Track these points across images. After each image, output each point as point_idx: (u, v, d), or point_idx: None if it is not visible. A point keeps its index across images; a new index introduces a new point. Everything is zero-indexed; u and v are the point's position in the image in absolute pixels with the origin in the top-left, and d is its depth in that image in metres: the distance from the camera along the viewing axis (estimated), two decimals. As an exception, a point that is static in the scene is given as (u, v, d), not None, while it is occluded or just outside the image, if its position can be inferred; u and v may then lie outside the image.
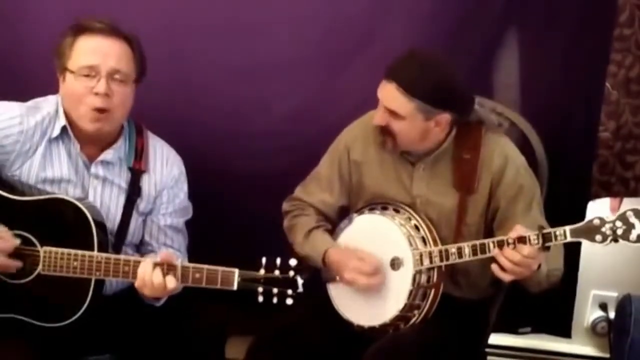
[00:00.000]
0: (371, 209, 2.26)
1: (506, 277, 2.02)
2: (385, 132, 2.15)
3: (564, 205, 2.41)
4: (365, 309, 2.20)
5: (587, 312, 2.94)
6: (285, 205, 2.40)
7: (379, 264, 2.16)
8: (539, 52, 2.53)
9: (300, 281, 1.88)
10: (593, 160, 2.56)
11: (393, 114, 2.11)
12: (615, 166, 2.57)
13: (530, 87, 2.57)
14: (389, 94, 2.09)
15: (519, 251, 1.97)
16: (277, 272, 1.88)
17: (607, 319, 2.90)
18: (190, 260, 2.06)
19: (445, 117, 2.11)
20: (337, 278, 2.18)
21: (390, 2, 2.54)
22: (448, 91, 2.09)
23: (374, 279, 2.15)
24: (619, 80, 2.49)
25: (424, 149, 2.20)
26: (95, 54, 2.02)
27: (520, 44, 2.54)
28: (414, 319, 2.16)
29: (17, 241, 1.99)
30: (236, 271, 1.91)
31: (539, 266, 2.04)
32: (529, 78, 2.57)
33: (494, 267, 2.02)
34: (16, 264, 1.99)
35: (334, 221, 2.36)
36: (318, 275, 2.21)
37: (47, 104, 2.12)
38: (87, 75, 2.01)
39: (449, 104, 2.10)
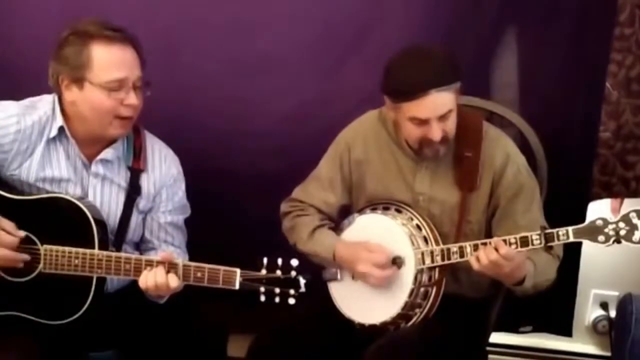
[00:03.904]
0: (373, 209, 2.27)
1: (478, 269, 2.03)
2: (442, 141, 2.10)
3: (564, 205, 2.41)
4: (366, 307, 2.20)
5: (588, 311, 2.94)
6: (284, 207, 2.39)
7: (390, 255, 2.16)
8: (539, 52, 2.52)
9: (302, 281, 1.89)
10: (593, 161, 2.56)
11: (444, 117, 2.07)
12: (616, 166, 2.57)
13: (530, 87, 2.56)
14: (436, 101, 2.03)
15: (497, 249, 1.98)
16: (278, 272, 1.89)
17: (608, 318, 2.89)
18: (189, 260, 2.06)
19: (459, 85, 2.09)
20: (339, 276, 2.18)
21: (385, 1, 2.53)
22: (456, 60, 2.08)
23: (387, 271, 2.14)
24: (619, 80, 2.49)
25: None
26: (122, 66, 2.03)
27: (520, 44, 2.53)
28: (415, 318, 2.17)
29: (22, 233, 2.00)
30: (238, 271, 1.92)
31: (524, 280, 2.06)
32: (528, 78, 2.56)
33: (471, 259, 2.03)
34: (23, 257, 2.00)
35: (335, 220, 2.36)
36: (319, 274, 2.21)
37: (44, 104, 2.12)
38: (116, 88, 2.03)
39: (461, 70, 2.09)
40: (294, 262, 1.89)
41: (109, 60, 2.02)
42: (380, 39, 2.51)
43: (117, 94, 2.03)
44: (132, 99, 2.04)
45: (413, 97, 2.03)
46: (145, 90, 2.10)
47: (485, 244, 2.05)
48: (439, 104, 2.04)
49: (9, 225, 1.99)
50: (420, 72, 2.03)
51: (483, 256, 2.00)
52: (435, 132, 2.07)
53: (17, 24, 2.55)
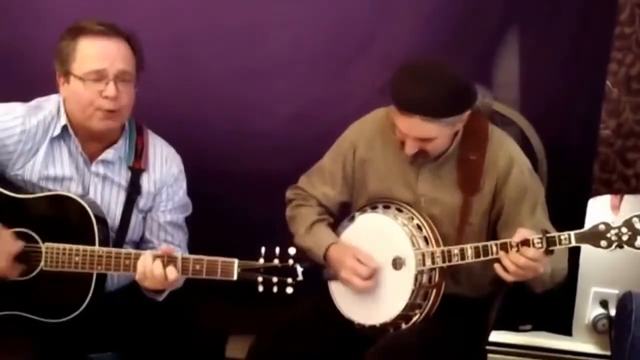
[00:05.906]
0: (373, 208, 2.26)
1: (509, 278, 2.02)
2: (417, 154, 2.13)
3: (564, 203, 2.41)
4: (367, 307, 2.20)
5: (588, 310, 2.94)
6: (289, 193, 2.41)
7: (376, 267, 2.16)
8: (540, 51, 2.52)
9: (299, 269, 1.88)
10: (594, 158, 2.56)
11: (424, 140, 2.08)
12: (616, 164, 2.58)
13: (531, 85, 2.57)
14: (416, 126, 2.04)
15: (523, 254, 1.96)
16: (276, 261, 1.88)
17: (608, 317, 2.90)
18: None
19: (467, 113, 2.10)
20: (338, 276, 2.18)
21: (390, 2, 2.53)
22: (463, 92, 2.06)
23: (368, 283, 2.15)
24: (619, 79, 2.50)
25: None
26: (102, 57, 2.03)
27: (521, 43, 2.53)
28: (415, 318, 2.17)
29: (21, 244, 2.00)
30: (235, 261, 1.92)
31: None
32: (529, 76, 2.56)
33: (497, 267, 2.02)
34: (18, 269, 2.01)
35: (335, 215, 2.36)
36: (319, 274, 2.21)
37: (49, 104, 2.13)
38: (94, 80, 2.02)
39: (468, 102, 2.08)
40: (292, 251, 1.89)
41: (91, 53, 2.03)
42: (385, 41, 2.51)
43: (96, 85, 2.03)
44: (110, 90, 2.02)
45: (399, 110, 2.05)
46: (132, 84, 2.08)
47: (486, 246, 2.05)
48: (418, 129, 2.05)
49: (6, 235, 1.99)
50: (415, 94, 2.02)
51: (509, 263, 1.98)
52: (409, 148, 2.11)
53: (32, 25, 2.55)
